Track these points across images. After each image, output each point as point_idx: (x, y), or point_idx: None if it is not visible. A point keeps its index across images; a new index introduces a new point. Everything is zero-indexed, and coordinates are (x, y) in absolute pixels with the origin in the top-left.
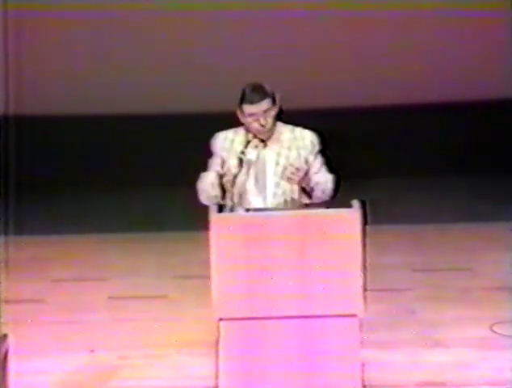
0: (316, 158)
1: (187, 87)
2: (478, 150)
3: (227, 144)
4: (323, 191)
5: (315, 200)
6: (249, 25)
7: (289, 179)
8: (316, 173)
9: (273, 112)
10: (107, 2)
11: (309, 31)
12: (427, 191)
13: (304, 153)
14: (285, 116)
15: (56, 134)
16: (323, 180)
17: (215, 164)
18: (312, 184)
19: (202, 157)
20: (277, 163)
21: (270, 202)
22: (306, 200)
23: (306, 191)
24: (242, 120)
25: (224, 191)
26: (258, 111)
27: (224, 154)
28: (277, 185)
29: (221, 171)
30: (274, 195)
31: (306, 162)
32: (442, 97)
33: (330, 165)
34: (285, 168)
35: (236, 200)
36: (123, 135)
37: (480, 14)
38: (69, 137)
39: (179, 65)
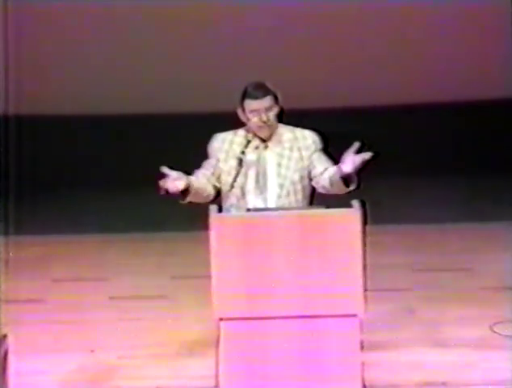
0: (319, 155)
1: (188, 87)
2: (478, 150)
3: (225, 145)
4: (337, 185)
5: (336, 192)
6: (249, 25)
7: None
8: (327, 168)
9: (275, 110)
10: (108, 2)
11: (309, 32)
12: (427, 191)
13: (306, 154)
14: (286, 116)
15: (56, 134)
16: (332, 175)
17: (208, 164)
18: (324, 183)
19: (202, 157)
20: (279, 165)
21: (274, 203)
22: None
23: (324, 188)
24: (243, 117)
25: (217, 192)
26: (260, 107)
27: (221, 156)
28: (281, 186)
29: (214, 172)
30: (279, 196)
31: (310, 162)
32: (442, 97)
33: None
34: (287, 169)
35: (234, 201)
36: (122, 135)
37: (480, 14)
38: (69, 137)
39: (179, 65)
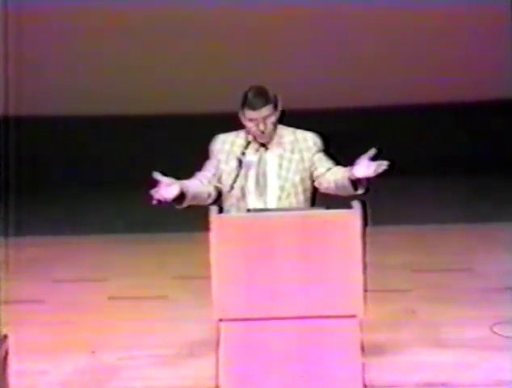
0: (321, 156)
1: (188, 87)
2: (478, 150)
3: (226, 146)
4: (344, 188)
5: (341, 193)
6: (250, 25)
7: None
8: (329, 169)
9: (273, 118)
10: (108, 2)
11: (310, 32)
12: (427, 191)
13: (307, 155)
14: (286, 117)
15: (56, 134)
16: (340, 176)
17: (209, 165)
18: (328, 185)
19: (202, 157)
20: (280, 166)
21: (275, 205)
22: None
23: (328, 189)
24: (244, 122)
25: (219, 193)
26: (258, 117)
27: (222, 157)
28: (281, 189)
29: (215, 173)
30: (279, 198)
31: (312, 163)
32: (442, 97)
33: (338, 163)
34: (288, 171)
35: (234, 201)
36: (122, 135)
37: (480, 15)
38: (69, 137)
39: (180, 65)
